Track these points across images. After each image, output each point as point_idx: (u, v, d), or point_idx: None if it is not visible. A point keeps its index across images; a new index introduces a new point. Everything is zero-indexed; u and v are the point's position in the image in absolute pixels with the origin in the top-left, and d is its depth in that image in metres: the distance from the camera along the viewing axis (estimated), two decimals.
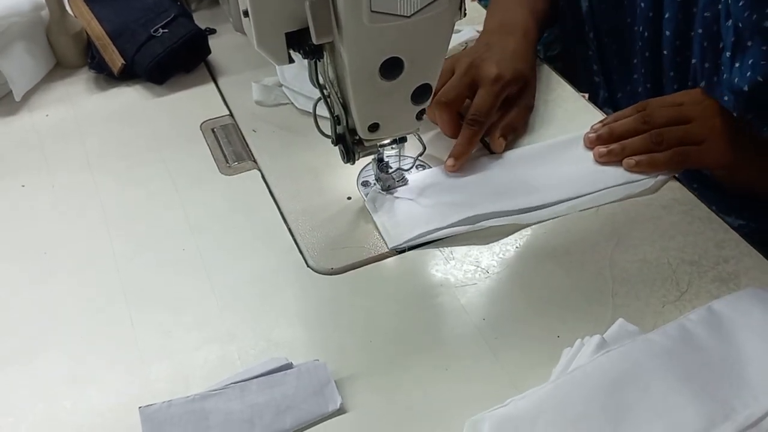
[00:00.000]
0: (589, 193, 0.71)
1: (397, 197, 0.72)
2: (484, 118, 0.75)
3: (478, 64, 0.78)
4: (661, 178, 0.72)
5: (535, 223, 0.69)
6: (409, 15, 0.53)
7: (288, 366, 0.56)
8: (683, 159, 0.71)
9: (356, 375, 0.58)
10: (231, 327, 0.62)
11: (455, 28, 0.65)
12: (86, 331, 0.62)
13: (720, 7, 0.74)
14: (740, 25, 0.70)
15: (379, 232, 0.69)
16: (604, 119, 0.78)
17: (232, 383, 0.55)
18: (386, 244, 0.68)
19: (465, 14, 0.59)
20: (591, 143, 0.75)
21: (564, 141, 0.78)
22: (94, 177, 0.77)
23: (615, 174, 0.73)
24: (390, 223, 0.70)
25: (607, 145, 0.74)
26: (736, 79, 0.73)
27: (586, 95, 0.88)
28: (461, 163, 0.75)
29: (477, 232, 0.69)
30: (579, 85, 0.90)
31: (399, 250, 0.68)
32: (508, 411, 0.51)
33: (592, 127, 0.77)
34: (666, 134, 0.72)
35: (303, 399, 0.54)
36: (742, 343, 0.55)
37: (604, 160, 0.73)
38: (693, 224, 0.68)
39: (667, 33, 0.81)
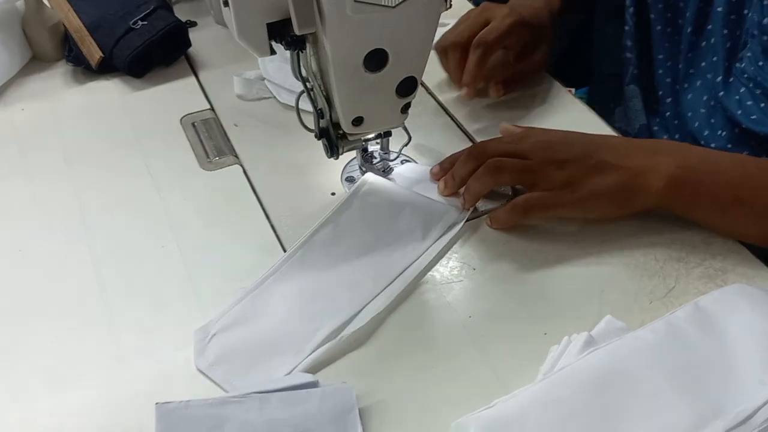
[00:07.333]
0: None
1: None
2: (490, 44, 0.75)
3: (493, 7, 0.77)
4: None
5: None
6: (393, 5, 0.52)
7: (314, 384, 0.54)
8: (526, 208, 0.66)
9: (337, 370, 0.57)
10: None
11: (442, 21, 0.64)
12: (63, 331, 0.61)
13: None
14: None
15: None
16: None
17: (253, 392, 0.53)
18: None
19: (450, 5, 0.58)
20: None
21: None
22: (72, 173, 0.75)
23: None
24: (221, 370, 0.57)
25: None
26: None
27: (572, 90, 0.88)
28: (473, 88, 0.75)
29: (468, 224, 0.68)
30: (603, 63, 0.87)
31: None
32: (494, 412, 0.50)
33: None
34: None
35: (325, 423, 0.51)
36: (730, 339, 0.54)
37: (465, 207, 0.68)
38: (680, 220, 0.67)
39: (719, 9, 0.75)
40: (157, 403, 0.52)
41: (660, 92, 0.89)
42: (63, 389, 0.56)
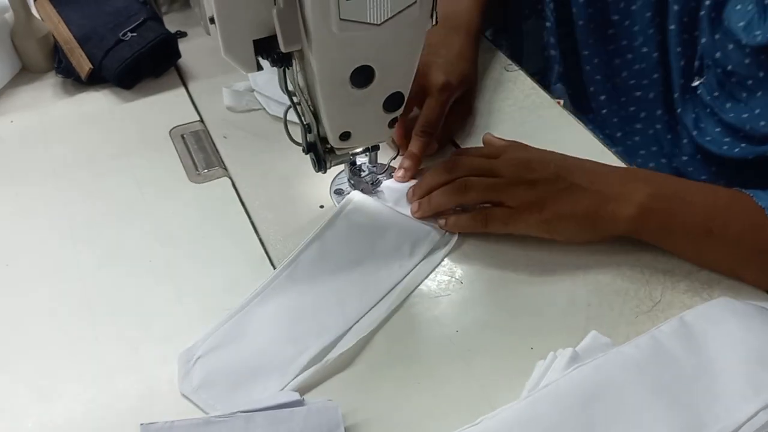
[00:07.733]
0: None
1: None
2: (434, 129, 0.74)
3: (425, 71, 0.76)
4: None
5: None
6: (379, 23, 0.52)
7: (299, 403, 0.54)
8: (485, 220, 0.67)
9: (323, 387, 0.57)
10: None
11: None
12: (50, 346, 0.60)
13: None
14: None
15: None
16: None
17: (238, 411, 0.53)
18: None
19: (437, 21, 0.58)
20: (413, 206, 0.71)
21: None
22: (60, 185, 0.75)
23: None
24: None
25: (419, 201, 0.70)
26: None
27: (561, 101, 0.88)
28: (412, 173, 0.73)
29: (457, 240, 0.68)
30: (528, 63, 0.87)
31: None
32: (479, 430, 0.50)
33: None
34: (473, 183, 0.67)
35: None
36: (714, 355, 0.55)
37: (418, 215, 0.69)
38: None
39: (675, 7, 0.75)
40: (141, 424, 0.52)
41: (591, 89, 0.89)
42: (48, 403, 0.56)
